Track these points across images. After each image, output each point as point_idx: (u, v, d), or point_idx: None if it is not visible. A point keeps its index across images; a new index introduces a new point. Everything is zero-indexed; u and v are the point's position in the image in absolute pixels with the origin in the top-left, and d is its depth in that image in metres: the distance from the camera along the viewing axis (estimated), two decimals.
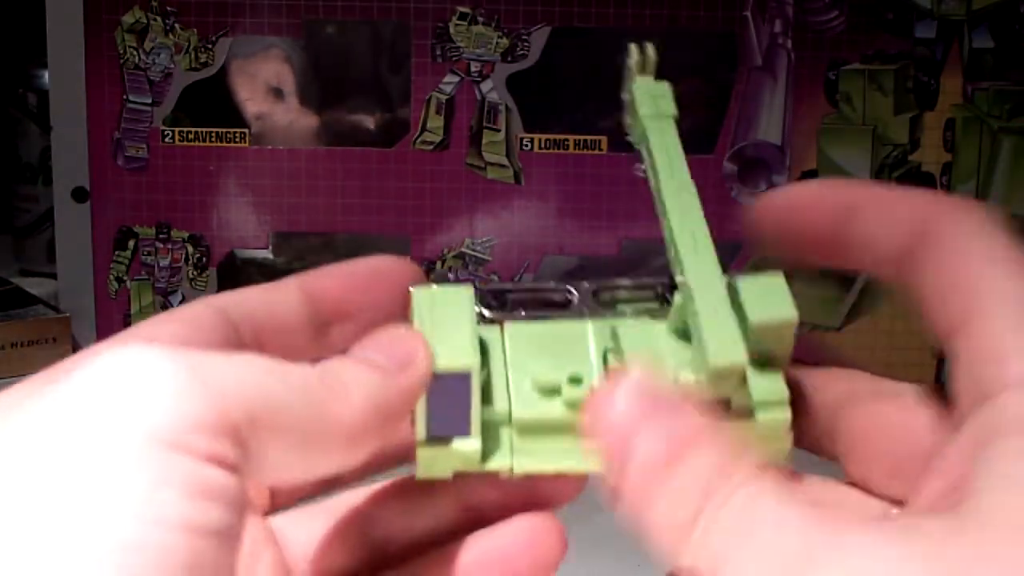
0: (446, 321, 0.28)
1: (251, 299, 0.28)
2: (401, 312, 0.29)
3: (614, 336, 0.28)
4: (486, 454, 0.28)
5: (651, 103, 0.29)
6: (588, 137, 0.80)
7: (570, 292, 0.30)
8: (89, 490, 0.19)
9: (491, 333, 0.29)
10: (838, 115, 0.80)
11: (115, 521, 0.19)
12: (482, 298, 0.30)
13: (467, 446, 0.27)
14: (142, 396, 0.20)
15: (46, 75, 0.84)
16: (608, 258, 0.80)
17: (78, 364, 0.22)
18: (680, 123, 0.29)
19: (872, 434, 0.27)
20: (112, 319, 0.82)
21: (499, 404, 0.28)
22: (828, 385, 0.29)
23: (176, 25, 0.80)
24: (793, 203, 0.28)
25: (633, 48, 0.30)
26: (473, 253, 0.80)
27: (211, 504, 0.20)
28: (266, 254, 0.82)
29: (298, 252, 0.83)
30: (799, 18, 0.79)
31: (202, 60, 0.80)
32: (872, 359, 0.80)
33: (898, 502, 0.27)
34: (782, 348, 0.27)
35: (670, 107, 0.29)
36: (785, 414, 0.27)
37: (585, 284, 0.30)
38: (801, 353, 0.27)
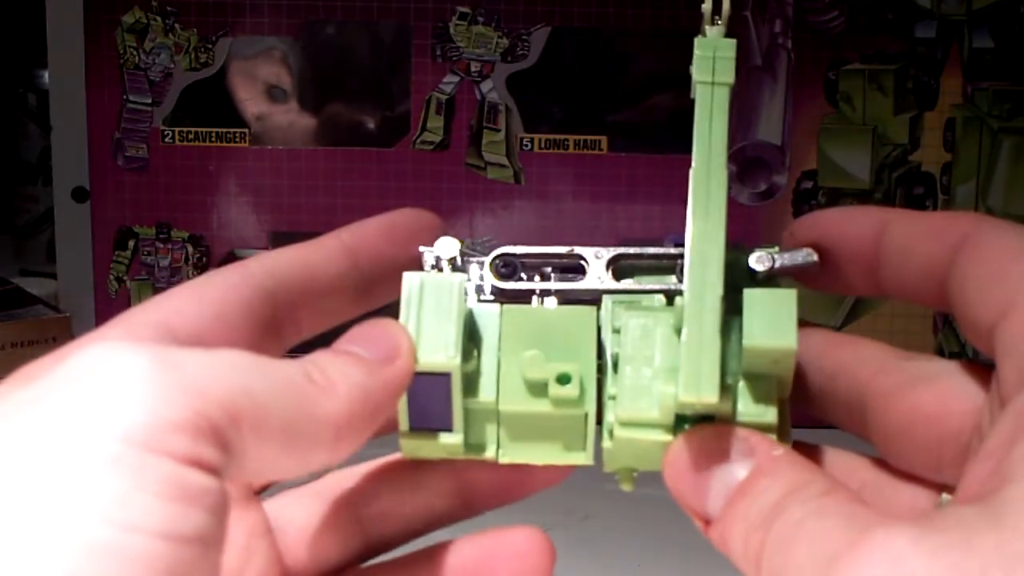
0: (433, 313, 0.27)
1: (289, 262, 0.27)
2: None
3: (618, 329, 0.27)
4: (471, 443, 0.28)
5: (707, 65, 0.27)
6: (588, 137, 0.80)
7: (584, 260, 0.29)
8: (56, 493, 0.18)
9: (490, 313, 0.28)
10: (838, 115, 0.80)
11: (81, 524, 0.18)
12: (493, 263, 0.29)
13: (448, 439, 0.27)
14: (118, 396, 0.20)
15: (46, 75, 0.84)
16: None
17: (59, 360, 0.21)
18: (734, 91, 0.27)
19: (911, 427, 0.26)
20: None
21: (486, 394, 0.27)
22: (853, 359, 0.28)
23: (176, 25, 0.80)
24: (827, 226, 0.28)
25: None
26: (473, 253, 0.79)
27: (191, 509, 0.19)
28: None
29: None
30: (799, 18, 0.79)
31: (202, 60, 0.80)
32: None
33: (941, 486, 0.26)
34: (779, 371, 0.26)
35: (728, 73, 0.27)
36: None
37: (603, 252, 0.29)
38: None
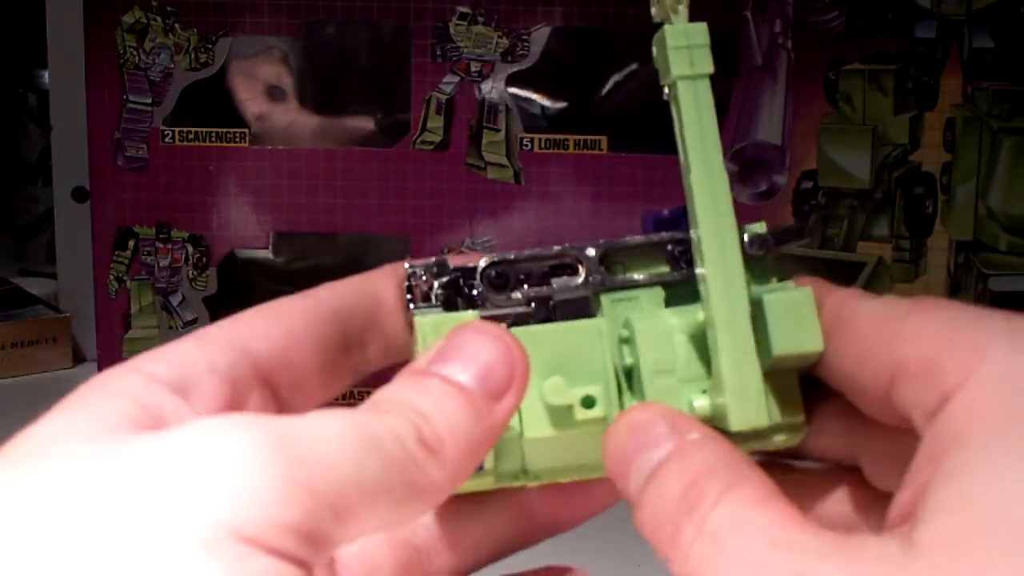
0: None
1: (354, 287, 0.28)
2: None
3: (630, 342, 0.27)
4: (501, 472, 0.27)
5: (686, 58, 0.25)
6: (588, 137, 0.80)
7: (579, 261, 0.28)
8: (150, 571, 0.19)
9: None
10: (838, 115, 0.80)
11: None
12: (484, 276, 0.28)
13: (479, 477, 0.27)
14: (230, 482, 0.20)
15: (46, 75, 0.84)
16: None
17: (171, 427, 0.21)
18: (714, 80, 0.26)
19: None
20: (112, 319, 0.82)
21: (511, 424, 0.26)
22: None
23: (176, 25, 0.80)
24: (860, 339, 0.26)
25: None
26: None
27: None
28: (266, 254, 0.82)
29: (298, 252, 0.83)
30: (799, 18, 0.79)
31: (202, 60, 0.80)
32: None
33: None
34: (800, 366, 0.26)
35: (706, 63, 0.26)
36: (800, 436, 0.27)
37: (591, 251, 0.28)
38: None
